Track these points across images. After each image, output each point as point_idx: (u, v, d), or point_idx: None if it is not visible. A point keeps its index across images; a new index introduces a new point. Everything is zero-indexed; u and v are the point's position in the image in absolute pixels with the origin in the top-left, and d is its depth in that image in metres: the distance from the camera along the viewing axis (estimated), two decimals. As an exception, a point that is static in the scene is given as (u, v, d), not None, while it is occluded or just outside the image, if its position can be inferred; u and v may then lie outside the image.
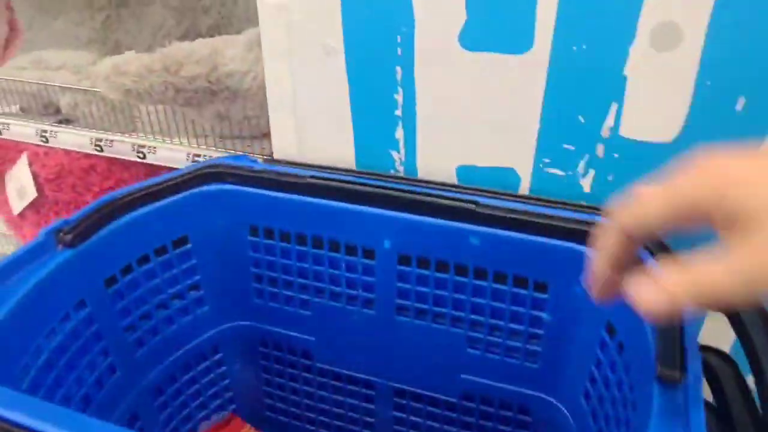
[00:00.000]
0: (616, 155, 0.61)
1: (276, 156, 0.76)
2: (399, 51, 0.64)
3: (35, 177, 1.08)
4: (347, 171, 0.68)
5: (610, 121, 0.60)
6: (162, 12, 1.03)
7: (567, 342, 0.61)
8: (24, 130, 1.02)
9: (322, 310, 0.70)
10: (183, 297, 0.69)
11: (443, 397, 0.70)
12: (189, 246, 0.67)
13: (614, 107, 0.59)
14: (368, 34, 0.64)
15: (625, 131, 0.60)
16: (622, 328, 0.53)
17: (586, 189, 0.64)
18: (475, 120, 0.65)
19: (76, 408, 0.56)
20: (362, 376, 0.72)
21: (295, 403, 0.78)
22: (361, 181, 0.63)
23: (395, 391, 0.72)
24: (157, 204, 0.62)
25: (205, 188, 0.66)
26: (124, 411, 0.63)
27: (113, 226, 0.59)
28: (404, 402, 0.72)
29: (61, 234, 0.55)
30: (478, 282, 0.62)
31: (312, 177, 0.64)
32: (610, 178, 0.63)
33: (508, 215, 0.58)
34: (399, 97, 0.67)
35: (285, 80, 0.71)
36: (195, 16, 1.02)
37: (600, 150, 0.61)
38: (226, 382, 0.77)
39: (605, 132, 0.60)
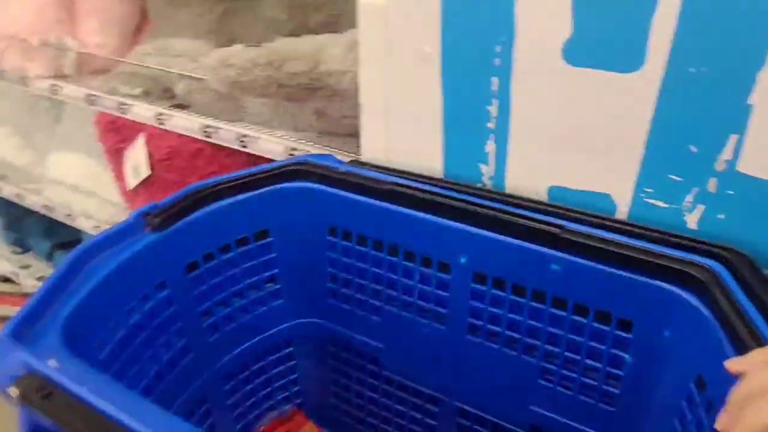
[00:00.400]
0: (730, 192, 0.55)
1: (364, 157, 0.75)
2: (497, 61, 0.61)
3: (149, 156, 1.15)
4: (432, 179, 0.66)
5: (727, 153, 0.53)
6: (275, 7, 1.06)
7: (649, 389, 0.55)
8: (144, 112, 1.09)
9: (392, 319, 0.69)
10: (259, 288, 0.70)
11: (509, 426, 0.66)
12: (270, 239, 0.68)
13: (733, 139, 0.53)
14: (466, 43, 0.62)
15: (744, 167, 0.53)
16: (715, 384, 0.47)
17: (691, 225, 0.58)
18: (572, 139, 0.60)
19: (148, 384, 0.59)
20: (428, 390, 0.71)
21: (359, 406, 0.78)
22: (444, 192, 0.61)
23: (460, 411, 0.69)
24: (243, 196, 0.64)
25: (289, 185, 0.67)
26: (193, 392, 0.65)
27: (199, 214, 0.61)
28: (468, 424, 0.69)
29: (150, 217, 0.58)
30: (555, 311, 0.58)
31: (394, 184, 0.63)
32: (721, 216, 0.56)
33: (596, 244, 0.54)
34: (493, 109, 0.64)
35: (378, 83, 0.70)
36: (306, 12, 1.05)
37: (712, 185, 0.55)
38: (294, 376, 0.78)
39: (720, 165, 0.54)
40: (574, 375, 0.60)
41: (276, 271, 0.70)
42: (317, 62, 0.84)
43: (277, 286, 0.71)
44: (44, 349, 0.44)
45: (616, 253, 0.52)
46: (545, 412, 0.62)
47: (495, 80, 0.62)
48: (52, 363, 0.42)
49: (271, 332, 0.73)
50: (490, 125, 0.64)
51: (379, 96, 0.70)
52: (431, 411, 0.71)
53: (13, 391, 0.41)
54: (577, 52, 0.57)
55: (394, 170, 0.70)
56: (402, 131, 0.71)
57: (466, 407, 0.68)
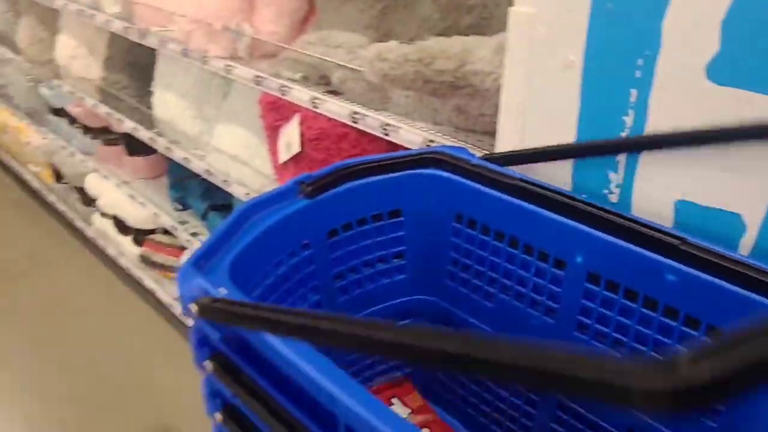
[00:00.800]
0: None
1: (496, 154, 0.80)
2: (638, 74, 0.63)
3: (301, 135, 1.28)
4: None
5: None
6: (430, 6, 1.13)
7: (756, 407, 0.55)
8: (301, 95, 1.22)
9: (504, 307, 0.73)
10: (387, 261, 0.78)
11: (607, 426, 0.68)
12: (401, 218, 0.75)
13: None
14: (610, 53, 0.65)
15: None
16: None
17: (825, 255, 0.56)
18: (706, 156, 0.61)
19: (285, 327, 0.68)
20: (529, 380, 0.74)
21: (463, 385, 0.83)
22: (568, 192, 0.65)
23: (559, 405, 0.72)
24: (382, 177, 0.72)
25: (424, 171, 0.73)
26: (320, 343, 0.74)
27: (344, 188, 0.70)
28: (566, 418, 0.72)
29: (304, 185, 0.67)
30: (665, 320, 0.59)
31: (521, 180, 0.67)
32: None
33: (716, 260, 0.55)
34: (628, 120, 0.66)
35: (520, 86, 0.75)
36: (458, 14, 1.11)
37: None
38: (407, 347, 0.85)
39: None
40: (679, 386, 0.61)
41: (403, 247, 0.77)
42: (464, 62, 0.90)
43: (403, 262, 0.78)
44: (216, 279, 0.54)
45: (735, 271, 0.53)
46: (645, 418, 0.64)
47: (634, 92, 0.64)
48: (222, 290, 0.52)
49: (391, 303, 0.80)
50: (624, 135, 0.67)
51: (519, 98, 0.75)
52: (531, 399, 0.75)
53: (194, 307, 0.52)
54: (721, 71, 0.58)
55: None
56: (536, 133, 0.75)
57: (566, 401, 0.71)
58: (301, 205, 0.67)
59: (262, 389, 0.51)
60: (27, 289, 2.43)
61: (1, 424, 1.83)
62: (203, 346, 0.56)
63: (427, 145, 0.97)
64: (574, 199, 0.64)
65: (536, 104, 0.74)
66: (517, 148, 0.77)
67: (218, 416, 0.58)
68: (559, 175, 0.73)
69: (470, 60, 0.90)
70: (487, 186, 0.70)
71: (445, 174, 0.73)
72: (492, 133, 0.98)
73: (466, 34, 0.98)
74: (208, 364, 0.55)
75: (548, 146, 0.72)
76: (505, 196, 0.68)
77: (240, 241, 0.61)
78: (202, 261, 0.57)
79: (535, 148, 0.72)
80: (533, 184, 0.67)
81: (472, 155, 0.75)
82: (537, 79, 0.73)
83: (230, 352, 0.54)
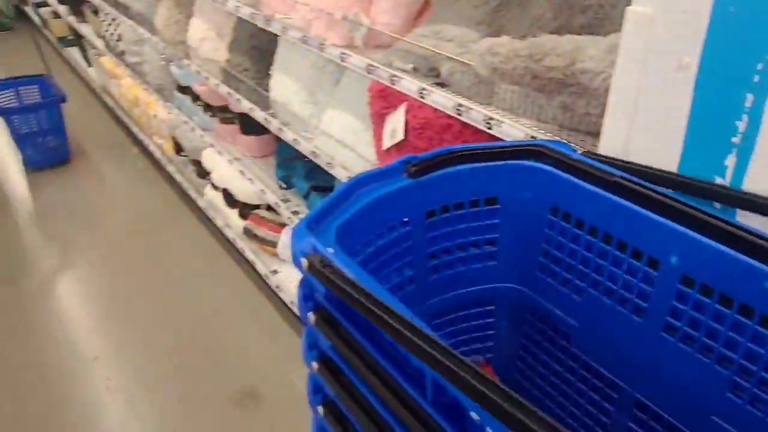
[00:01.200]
0: None
1: (599, 152, 0.81)
2: (756, 78, 0.62)
3: (406, 124, 1.33)
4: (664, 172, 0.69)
5: None
6: (544, 5, 1.14)
7: None
8: (409, 85, 1.26)
9: (592, 302, 0.74)
10: (479, 247, 0.81)
11: (685, 430, 0.68)
12: (497, 206, 0.78)
13: None
14: (727, 57, 0.64)
15: None
16: None
17: None
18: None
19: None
20: (611, 376, 0.75)
21: (542, 375, 0.85)
22: (668, 193, 0.65)
23: (638, 404, 0.73)
24: (483, 164, 0.75)
25: (524, 162, 0.76)
26: (409, 315, 0.79)
27: (446, 171, 0.74)
28: (644, 417, 0.72)
29: (409, 166, 0.72)
30: (761, 329, 0.58)
31: (621, 177, 0.68)
32: None
33: (821, 273, 0.54)
34: (741, 125, 0.65)
35: (631, 86, 0.75)
36: (572, 13, 1.11)
37: None
38: (491, 332, 0.88)
39: None
40: (768, 397, 0.60)
41: (496, 235, 0.80)
42: (574, 60, 0.91)
43: (494, 249, 0.81)
44: (325, 240, 0.60)
45: (841, 284, 0.52)
46: (727, 426, 0.63)
47: (750, 96, 0.63)
48: (330, 250, 0.58)
49: (480, 287, 0.83)
50: (735, 140, 0.66)
51: (629, 98, 0.75)
52: (610, 396, 0.76)
53: (304, 262, 0.58)
54: None
55: (619, 164, 0.74)
56: (643, 134, 0.75)
57: (645, 401, 0.71)
58: (404, 184, 0.72)
59: (358, 343, 0.56)
60: (141, 248, 2.67)
61: (111, 370, 2.03)
62: (308, 300, 0.62)
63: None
64: (674, 200, 0.64)
65: (645, 105, 0.74)
66: (622, 149, 0.78)
67: (314, 365, 0.64)
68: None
69: (581, 58, 0.91)
70: (586, 181, 0.71)
71: (545, 166, 0.75)
72: (596, 133, 0.99)
73: (579, 34, 0.99)
74: (311, 316, 0.61)
75: (652, 167, 0.72)
76: (603, 192, 0.69)
77: (347, 210, 0.67)
78: (314, 223, 0.63)
79: (639, 165, 0.72)
80: (633, 182, 0.67)
81: (574, 150, 0.76)
82: (649, 80, 0.73)
83: (332, 308, 0.60)
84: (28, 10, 5.72)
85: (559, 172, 0.74)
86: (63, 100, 3.25)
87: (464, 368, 0.44)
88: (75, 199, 3.12)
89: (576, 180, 0.72)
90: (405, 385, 0.53)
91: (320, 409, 0.68)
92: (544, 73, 0.95)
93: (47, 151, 3.28)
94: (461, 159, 0.74)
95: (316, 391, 0.69)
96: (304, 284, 0.62)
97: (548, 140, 0.79)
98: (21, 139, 3.21)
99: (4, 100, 3.33)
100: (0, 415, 1.86)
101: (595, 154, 0.76)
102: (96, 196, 3.16)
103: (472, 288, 0.83)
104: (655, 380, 0.70)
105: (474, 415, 0.45)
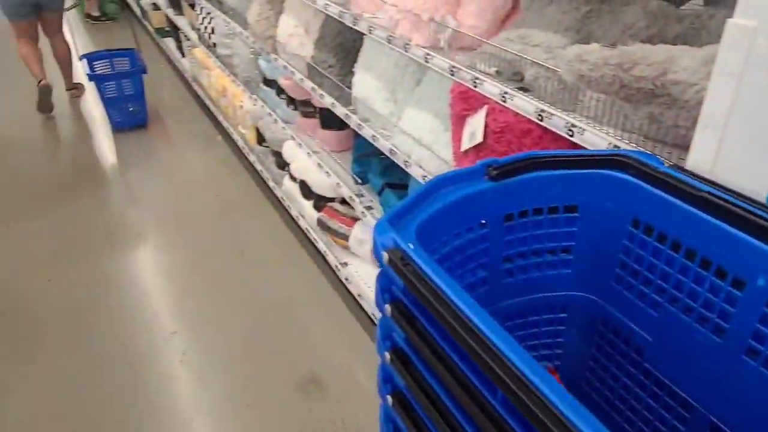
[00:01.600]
0: None
1: (687, 166, 0.79)
2: None
3: (486, 127, 1.33)
4: (751, 201, 0.68)
5: None
6: (637, 13, 1.11)
7: None
8: (491, 88, 1.27)
9: (669, 318, 0.73)
10: (555, 254, 0.81)
11: (761, 458, 0.66)
12: (576, 215, 0.78)
13: None
14: (834, 75, 0.62)
15: None
16: None
17: None
18: None
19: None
20: (684, 395, 0.73)
21: (611, 388, 0.84)
22: (762, 213, 0.63)
23: (712, 426, 0.71)
24: (565, 172, 0.75)
25: (609, 172, 0.75)
26: (480, 316, 0.80)
27: (527, 177, 0.75)
28: (717, 441, 0.71)
29: (490, 169, 0.73)
30: None
31: (710, 193, 0.67)
32: None
33: None
34: None
35: (725, 100, 0.73)
36: (667, 22, 1.08)
37: None
38: (560, 340, 0.88)
39: None
40: None
41: (573, 243, 0.80)
42: (666, 70, 0.89)
43: (570, 257, 0.81)
44: (405, 236, 0.62)
45: None
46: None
47: None
48: (410, 245, 0.60)
49: (553, 294, 0.83)
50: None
51: (722, 112, 0.73)
52: (682, 416, 0.74)
53: (385, 256, 0.60)
54: None
55: (709, 180, 0.72)
56: (734, 151, 0.73)
57: (720, 424, 0.70)
58: (485, 186, 0.73)
59: (432, 337, 0.58)
60: (218, 233, 2.79)
61: (186, 345, 2.15)
62: (386, 292, 0.65)
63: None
64: (765, 219, 0.62)
65: (739, 120, 0.72)
66: (711, 165, 0.75)
67: (387, 356, 0.66)
68: (756, 196, 0.71)
69: (673, 69, 0.89)
70: (671, 194, 0.70)
71: (629, 177, 0.74)
72: (683, 146, 0.96)
73: (673, 44, 0.96)
74: (388, 308, 0.64)
75: (742, 195, 0.69)
76: (689, 207, 0.68)
77: (428, 208, 0.69)
78: (395, 220, 0.65)
79: (729, 190, 0.70)
80: (723, 198, 0.66)
81: (661, 162, 0.75)
82: (745, 96, 0.71)
83: (408, 302, 0.62)
84: (131, 1, 6.12)
85: (644, 184, 0.73)
86: (144, 71, 3.75)
87: (528, 395, 0.45)
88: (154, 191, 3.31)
89: (661, 193, 0.71)
90: (476, 381, 0.54)
91: (389, 399, 0.71)
92: (633, 83, 0.93)
93: (129, 114, 3.83)
94: (543, 165, 0.75)
95: (386, 381, 0.71)
96: (382, 277, 0.64)
97: (634, 151, 0.78)
98: (109, 102, 3.76)
99: (100, 68, 3.89)
100: (86, 380, 2.01)
101: (683, 169, 0.74)
102: (175, 178, 3.34)
103: (545, 294, 0.84)
104: (732, 403, 0.68)
105: None
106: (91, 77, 3.72)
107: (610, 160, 0.76)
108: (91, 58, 3.86)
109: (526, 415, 0.44)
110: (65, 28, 4.20)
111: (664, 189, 0.71)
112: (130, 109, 3.81)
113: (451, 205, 0.70)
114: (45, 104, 3.94)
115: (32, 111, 4.03)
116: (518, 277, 0.81)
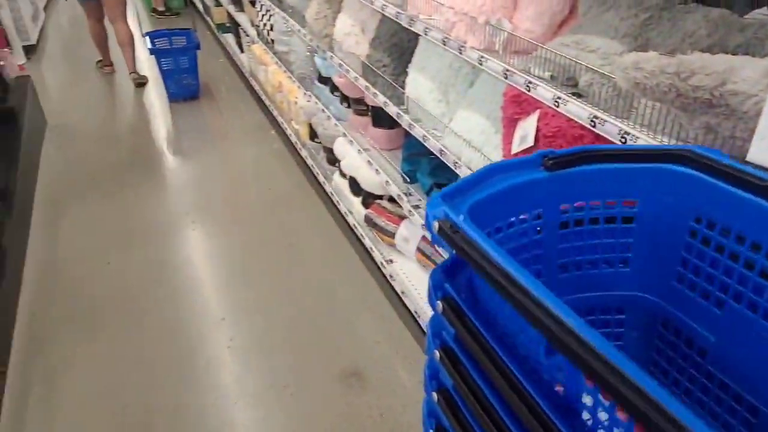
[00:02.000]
0: None
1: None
2: None
3: (537, 131, 1.35)
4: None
5: None
6: (698, 21, 1.11)
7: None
8: (545, 93, 1.28)
9: (735, 316, 0.72)
10: (613, 250, 0.81)
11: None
12: (635, 209, 0.78)
13: None
14: None
15: None
16: None
17: None
18: None
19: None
20: (751, 398, 0.72)
21: (673, 394, 0.84)
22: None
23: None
24: (624, 165, 0.75)
25: (671, 167, 0.74)
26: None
27: (583, 169, 0.75)
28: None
29: (547, 159, 0.74)
30: None
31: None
32: None
33: None
34: None
35: (785, 111, 0.73)
36: (728, 31, 1.07)
37: None
38: (619, 343, 0.86)
39: None
40: None
41: (632, 240, 0.79)
42: (725, 81, 0.90)
43: (629, 255, 0.80)
44: (457, 210, 0.63)
45: None
46: None
47: None
48: (461, 217, 0.62)
49: (609, 293, 0.83)
50: None
51: (781, 123, 0.74)
52: (749, 420, 0.73)
53: (435, 225, 0.63)
54: None
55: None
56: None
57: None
58: (540, 176, 0.73)
59: (481, 335, 0.60)
60: (268, 224, 2.88)
61: (234, 331, 2.23)
62: (438, 289, 0.67)
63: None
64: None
65: (799, 133, 0.72)
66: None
67: (437, 353, 0.68)
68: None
69: (733, 79, 0.89)
70: (735, 186, 0.69)
71: (692, 172, 0.73)
72: (740, 158, 0.96)
73: (734, 53, 0.96)
74: (439, 304, 0.66)
75: None
76: (755, 198, 0.67)
77: (480, 191, 0.69)
78: (448, 197, 0.66)
79: None
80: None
81: (725, 156, 0.74)
82: (807, 107, 0.71)
83: (459, 300, 0.64)
84: (196, -1, 6.45)
85: (707, 177, 0.72)
86: (198, 47, 4.35)
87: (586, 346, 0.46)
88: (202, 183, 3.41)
89: (725, 185, 0.70)
90: (525, 381, 0.55)
91: (434, 395, 0.73)
92: (690, 92, 0.94)
93: (183, 86, 4.38)
94: (601, 158, 0.75)
95: (433, 377, 0.73)
96: (434, 273, 0.67)
97: (697, 146, 0.77)
98: (166, 74, 4.32)
99: (161, 44, 4.46)
100: (138, 361, 2.11)
101: (746, 161, 0.73)
102: (230, 169, 3.44)
103: (602, 293, 0.83)
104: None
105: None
106: (151, 51, 4.23)
107: (670, 155, 0.75)
108: (153, 35, 4.42)
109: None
110: (131, 20, 4.64)
111: (727, 181, 0.70)
112: (185, 81, 4.34)
113: (505, 190, 0.71)
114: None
115: (99, 95, 4.51)
116: (574, 273, 0.82)
